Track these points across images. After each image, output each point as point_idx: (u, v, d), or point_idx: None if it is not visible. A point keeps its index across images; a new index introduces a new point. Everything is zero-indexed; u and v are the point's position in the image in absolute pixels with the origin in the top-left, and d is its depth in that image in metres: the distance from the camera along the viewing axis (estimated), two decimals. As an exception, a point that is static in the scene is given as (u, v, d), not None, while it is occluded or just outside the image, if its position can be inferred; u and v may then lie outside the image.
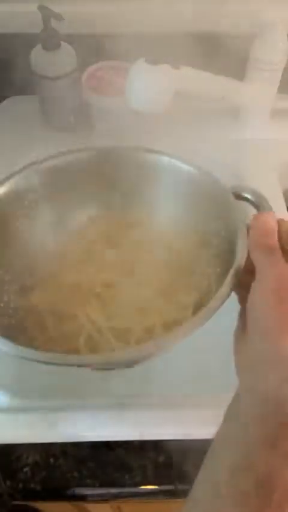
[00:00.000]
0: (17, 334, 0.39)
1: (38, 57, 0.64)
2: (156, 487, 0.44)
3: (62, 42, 0.64)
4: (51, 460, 0.45)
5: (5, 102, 0.75)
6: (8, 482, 0.44)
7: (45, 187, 0.45)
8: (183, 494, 0.44)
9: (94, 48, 0.68)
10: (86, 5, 0.66)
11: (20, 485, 0.44)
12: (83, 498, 0.45)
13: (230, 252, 0.37)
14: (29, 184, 0.44)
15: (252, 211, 0.40)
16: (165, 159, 0.44)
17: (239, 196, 0.41)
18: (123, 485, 0.44)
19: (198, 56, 0.69)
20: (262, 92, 0.65)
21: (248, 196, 0.41)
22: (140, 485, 0.44)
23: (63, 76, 0.65)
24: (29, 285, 0.44)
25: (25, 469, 0.44)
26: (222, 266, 0.39)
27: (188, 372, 0.62)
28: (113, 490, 0.44)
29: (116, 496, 0.44)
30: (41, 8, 0.60)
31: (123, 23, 0.67)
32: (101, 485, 0.44)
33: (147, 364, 0.65)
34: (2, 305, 0.41)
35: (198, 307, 0.42)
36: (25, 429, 0.45)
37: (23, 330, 0.41)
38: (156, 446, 0.45)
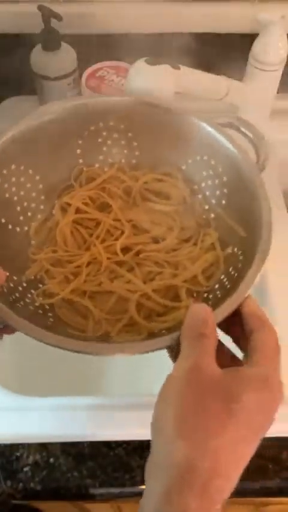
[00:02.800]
0: (61, 330, 0.39)
1: (38, 58, 0.65)
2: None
3: (62, 43, 0.64)
4: (51, 460, 0.45)
5: (5, 102, 0.75)
6: (8, 482, 0.44)
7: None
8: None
9: (94, 48, 0.68)
10: (86, 5, 0.66)
11: (20, 485, 0.44)
12: (83, 498, 0.45)
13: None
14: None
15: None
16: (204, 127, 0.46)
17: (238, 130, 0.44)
18: (123, 485, 0.44)
19: (198, 56, 0.69)
20: (262, 92, 0.65)
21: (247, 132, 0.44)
22: (140, 485, 0.44)
23: (64, 76, 0.65)
24: (42, 279, 0.44)
25: (25, 469, 0.44)
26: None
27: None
28: (113, 490, 0.44)
29: (116, 496, 0.44)
30: (41, 8, 0.60)
31: (123, 23, 0.67)
32: (101, 485, 0.44)
33: (148, 363, 0.66)
34: (32, 308, 0.40)
35: (222, 241, 0.44)
36: (25, 429, 0.45)
37: (65, 325, 0.41)
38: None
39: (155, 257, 0.44)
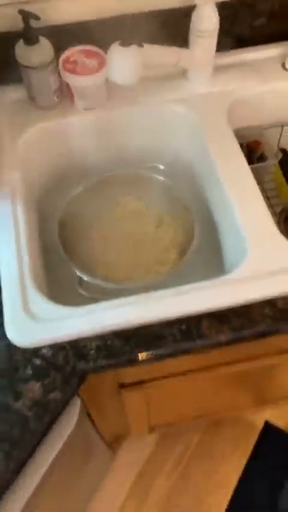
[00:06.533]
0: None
1: (21, 51, 0.78)
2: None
3: (40, 37, 0.77)
4: (108, 342, 0.63)
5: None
6: (83, 362, 0.62)
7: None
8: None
9: (69, 36, 0.82)
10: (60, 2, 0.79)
11: (91, 363, 0.62)
12: (131, 364, 0.64)
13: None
14: None
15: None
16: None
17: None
18: (161, 354, 0.64)
19: (150, 32, 0.84)
20: (204, 55, 0.82)
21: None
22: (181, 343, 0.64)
23: (44, 65, 0.78)
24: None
25: (91, 352, 0.62)
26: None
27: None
28: (155, 353, 0.63)
29: (155, 359, 0.64)
30: (21, 11, 0.73)
31: (80, 12, 0.81)
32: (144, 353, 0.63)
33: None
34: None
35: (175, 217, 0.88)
36: (87, 326, 0.63)
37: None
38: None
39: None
